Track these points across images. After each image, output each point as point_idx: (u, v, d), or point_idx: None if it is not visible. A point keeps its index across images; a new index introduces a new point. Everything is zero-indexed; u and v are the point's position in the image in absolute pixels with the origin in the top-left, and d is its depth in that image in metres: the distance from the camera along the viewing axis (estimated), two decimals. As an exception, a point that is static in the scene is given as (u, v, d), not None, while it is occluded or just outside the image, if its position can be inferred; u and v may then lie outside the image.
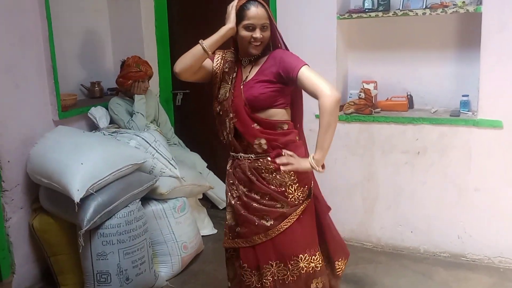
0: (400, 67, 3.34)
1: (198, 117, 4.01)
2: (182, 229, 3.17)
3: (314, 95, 1.93)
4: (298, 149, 2.11)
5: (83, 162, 2.68)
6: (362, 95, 3.25)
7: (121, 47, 3.83)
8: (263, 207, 2.08)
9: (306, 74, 1.93)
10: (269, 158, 2.05)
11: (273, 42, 2.09)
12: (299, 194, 2.09)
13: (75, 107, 3.31)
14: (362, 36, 3.41)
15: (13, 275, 2.89)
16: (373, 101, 3.30)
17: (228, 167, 2.24)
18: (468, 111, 3.13)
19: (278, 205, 2.07)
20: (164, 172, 3.16)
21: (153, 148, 3.18)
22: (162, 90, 3.95)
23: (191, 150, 3.82)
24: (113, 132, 3.24)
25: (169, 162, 3.22)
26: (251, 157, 2.09)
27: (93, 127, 3.34)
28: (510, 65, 2.83)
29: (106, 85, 3.77)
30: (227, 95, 2.09)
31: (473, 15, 2.95)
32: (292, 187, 2.07)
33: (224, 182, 3.80)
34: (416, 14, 2.98)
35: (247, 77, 2.10)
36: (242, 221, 2.13)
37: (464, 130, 3.02)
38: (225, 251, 2.32)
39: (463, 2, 2.93)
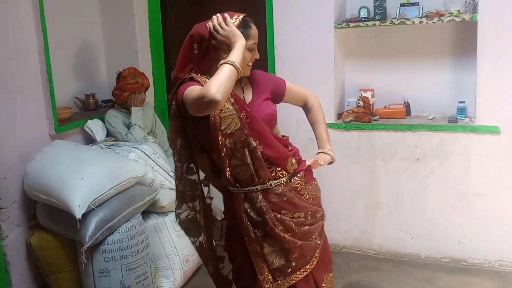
0: (397, 75, 3.37)
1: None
2: (183, 242, 3.11)
3: (303, 99, 2.18)
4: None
5: (84, 177, 2.62)
6: (361, 103, 3.27)
7: (115, 59, 3.78)
8: (311, 226, 1.97)
9: (291, 86, 2.13)
10: (299, 175, 1.97)
11: None
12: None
13: (70, 121, 3.24)
14: (359, 44, 3.43)
15: (10, 295, 2.82)
16: (372, 109, 3.32)
17: (249, 205, 1.93)
18: (465, 117, 3.17)
19: (318, 216, 2.02)
20: (164, 185, 3.11)
21: (153, 160, 3.14)
22: (157, 101, 3.91)
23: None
24: (111, 145, 3.18)
25: (168, 174, 3.18)
26: (283, 181, 1.93)
27: (89, 140, 3.28)
28: (506, 72, 2.88)
29: (100, 97, 3.71)
30: (238, 123, 1.82)
31: (468, 23, 3.00)
32: (319, 193, 2.08)
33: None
34: (413, 22, 3.01)
35: (244, 97, 1.94)
36: (299, 253, 1.93)
37: (463, 136, 3.06)
38: None
39: (458, 10, 2.98)
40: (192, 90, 1.75)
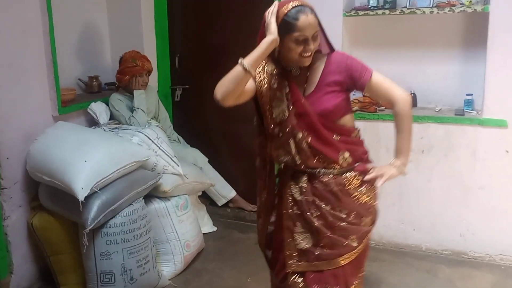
0: (403, 65, 3.33)
1: (198, 113, 3.95)
2: (184, 227, 3.12)
3: (389, 101, 1.89)
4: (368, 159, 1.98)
5: (87, 159, 2.61)
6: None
7: (119, 42, 3.74)
8: (350, 225, 1.90)
9: (376, 81, 1.86)
10: (353, 173, 1.90)
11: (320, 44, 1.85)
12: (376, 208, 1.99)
13: (74, 103, 3.22)
14: (367, 33, 3.38)
15: (11, 275, 2.81)
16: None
17: (295, 183, 1.96)
18: (472, 110, 3.14)
19: (363, 223, 1.93)
20: (166, 170, 3.10)
21: (156, 145, 3.12)
22: (161, 85, 3.87)
23: (190, 146, 3.77)
24: (114, 128, 3.16)
25: (171, 159, 3.16)
26: (333, 172, 1.89)
27: (92, 122, 3.26)
28: (516, 64, 2.85)
29: (104, 80, 3.68)
30: (286, 114, 1.86)
31: (480, 14, 2.95)
32: (374, 201, 1.97)
33: (224, 177, 3.79)
34: (424, 12, 2.97)
35: (305, 88, 1.89)
36: (327, 243, 1.91)
37: (470, 129, 3.03)
38: (282, 276, 2.03)
39: (470, 1, 2.93)
40: None
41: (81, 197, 2.48)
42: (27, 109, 2.84)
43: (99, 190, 2.59)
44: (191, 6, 3.85)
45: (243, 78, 1.78)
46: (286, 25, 1.75)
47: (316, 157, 1.88)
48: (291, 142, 1.88)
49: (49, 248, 2.80)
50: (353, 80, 1.85)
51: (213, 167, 3.77)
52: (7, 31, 2.67)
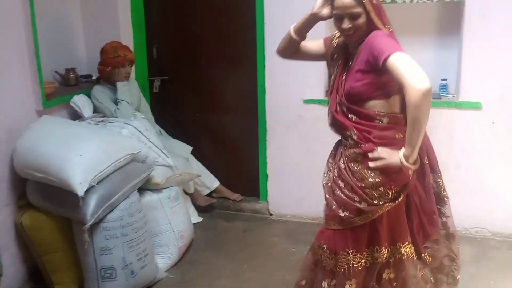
0: (382, 52, 3.47)
1: (177, 104, 3.92)
2: (178, 218, 3.11)
3: (401, 87, 1.76)
4: (394, 148, 1.90)
5: (82, 153, 2.54)
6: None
7: (94, 33, 3.63)
8: (343, 197, 1.97)
9: (392, 63, 1.73)
10: (355, 150, 1.94)
11: (372, 27, 1.87)
12: (378, 194, 1.93)
13: (54, 96, 3.09)
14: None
15: (0, 277, 2.68)
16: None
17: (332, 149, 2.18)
18: (446, 93, 3.33)
19: (357, 199, 1.94)
20: (157, 162, 3.07)
21: (145, 137, 3.08)
22: (138, 76, 3.79)
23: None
24: (99, 122, 3.08)
25: (161, 151, 3.13)
26: (347, 145, 1.99)
27: (75, 116, 3.16)
28: (490, 51, 3.05)
29: (79, 72, 3.55)
30: (331, 83, 2.05)
31: (455, 4, 3.13)
32: (373, 186, 1.93)
33: (206, 168, 3.81)
34: (404, 1, 3.11)
35: (350, 65, 1.96)
36: (325, 203, 2.10)
37: (447, 111, 3.22)
38: None
39: (446, -10, 3.10)
40: None
41: (80, 192, 2.42)
42: (9, 104, 2.70)
43: (96, 184, 2.54)
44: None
45: (290, 41, 2.13)
46: (331, 3, 1.92)
47: (335, 127, 2.06)
48: (329, 107, 2.07)
49: (41, 248, 2.70)
50: (374, 59, 1.79)
51: (195, 158, 3.76)
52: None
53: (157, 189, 3.04)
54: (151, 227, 2.96)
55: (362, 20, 1.85)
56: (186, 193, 3.68)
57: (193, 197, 3.74)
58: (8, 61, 2.69)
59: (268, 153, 3.67)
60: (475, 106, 3.15)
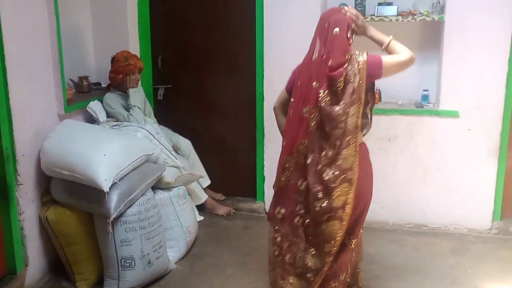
0: (370, 65, 3.82)
1: (180, 111, 4.19)
2: (186, 215, 3.38)
3: None
4: None
5: (106, 153, 2.80)
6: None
7: (103, 43, 3.90)
8: None
9: None
10: None
11: None
12: None
13: (72, 102, 3.34)
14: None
15: (26, 268, 2.92)
16: (349, 95, 3.75)
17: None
18: (428, 103, 3.70)
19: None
20: (167, 163, 3.34)
21: (157, 139, 3.35)
22: (143, 85, 4.03)
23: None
24: (114, 126, 3.34)
25: (170, 152, 3.41)
26: None
27: (91, 120, 3.39)
28: (467, 65, 3.43)
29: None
30: None
31: (436, 23, 3.52)
32: None
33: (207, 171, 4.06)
34: (390, 20, 3.47)
35: None
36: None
37: (428, 119, 3.58)
38: None
39: (427, 11, 3.48)
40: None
41: (106, 188, 2.68)
42: (36, 108, 2.95)
43: (119, 181, 2.80)
44: (173, 8, 4.08)
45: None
46: None
47: None
48: None
49: (64, 240, 2.93)
50: None
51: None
52: (20, 32, 2.78)
53: (167, 187, 3.31)
54: (163, 223, 3.22)
55: None
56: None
57: (211, 206, 4.01)
58: (37, 69, 2.94)
59: (265, 156, 3.97)
60: (453, 114, 3.52)
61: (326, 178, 2.29)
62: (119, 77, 3.51)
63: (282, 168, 2.48)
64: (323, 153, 2.31)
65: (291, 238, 2.47)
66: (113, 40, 3.87)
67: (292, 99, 2.45)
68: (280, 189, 2.50)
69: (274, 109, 2.70)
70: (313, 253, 2.43)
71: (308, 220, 2.42)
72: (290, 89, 2.53)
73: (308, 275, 2.45)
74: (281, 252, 2.51)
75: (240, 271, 3.20)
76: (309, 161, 2.35)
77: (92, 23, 3.91)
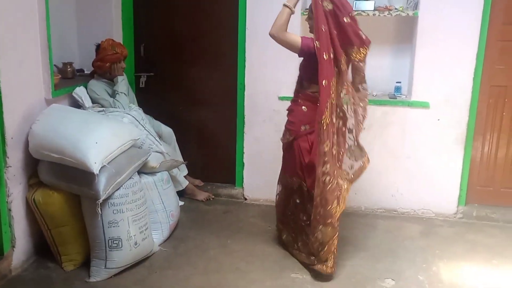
0: (347, 57, 4.00)
1: (162, 99, 4.27)
2: (169, 199, 3.48)
3: None
4: None
5: (95, 136, 2.88)
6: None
7: (87, 31, 3.94)
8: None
9: None
10: None
11: None
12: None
13: (58, 88, 3.38)
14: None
15: (13, 249, 2.97)
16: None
17: None
18: (400, 94, 3.90)
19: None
20: (152, 148, 3.43)
21: (142, 126, 3.44)
22: (125, 72, 4.07)
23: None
24: (99, 111, 3.40)
25: (155, 138, 3.50)
26: None
27: (77, 106, 3.44)
28: (438, 58, 3.65)
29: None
30: None
31: (410, 18, 3.72)
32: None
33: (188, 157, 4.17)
34: (368, 14, 3.65)
35: None
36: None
37: (401, 109, 3.79)
38: None
39: (402, 7, 3.67)
40: None
41: (96, 171, 2.76)
42: (25, 92, 2.99)
43: (107, 164, 2.88)
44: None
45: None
46: None
47: None
48: None
49: (51, 221, 2.99)
50: None
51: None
52: (13, 17, 2.82)
53: (152, 172, 3.40)
54: (147, 206, 3.31)
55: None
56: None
57: (191, 192, 4.12)
58: (27, 53, 2.99)
59: (245, 143, 4.10)
60: (424, 105, 3.74)
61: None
62: (107, 65, 3.56)
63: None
64: None
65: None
66: (97, 27, 3.91)
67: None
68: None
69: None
70: None
71: None
72: (307, 50, 2.90)
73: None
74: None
75: (222, 252, 3.33)
76: None
77: (76, 9, 3.93)
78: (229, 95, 4.11)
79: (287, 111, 3.23)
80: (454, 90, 3.69)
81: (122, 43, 4.05)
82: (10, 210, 2.91)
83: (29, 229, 3.09)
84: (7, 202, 2.89)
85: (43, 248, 3.15)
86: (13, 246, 2.97)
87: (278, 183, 3.38)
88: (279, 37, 2.90)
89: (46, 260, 3.14)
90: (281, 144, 4.16)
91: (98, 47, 3.61)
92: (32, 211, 3.02)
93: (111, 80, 3.61)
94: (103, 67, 3.56)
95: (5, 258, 2.92)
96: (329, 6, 2.82)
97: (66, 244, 3.04)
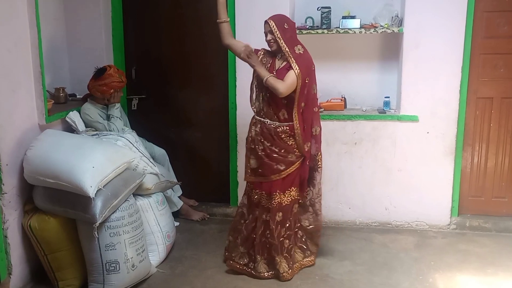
0: (335, 74, 4.07)
1: (154, 120, 4.30)
2: (165, 220, 3.49)
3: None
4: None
5: (90, 160, 2.91)
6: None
7: (78, 56, 3.98)
8: (280, 157, 3.13)
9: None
10: (286, 127, 3.12)
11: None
12: (298, 153, 3.18)
13: (51, 113, 3.40)
14: (307, 47, 4.05)
15: (10, 276, 2.96)
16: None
17: (253, 129, 3.23)
18: (389, 109, 3.98)
19: (289, 156, 3.14)
20: (146, 170, 3.45)
21: (136, 148, 3.46)
22: (117, 95, 4.16)
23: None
24: (93, 135, 3.43)
25: (149, 160, 3.52)
26: (275, 124, 3.13)
27: (70, 130, 3.46)
28: (424, 73, 3.74)
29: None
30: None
31: (395, 35, 3.82)
32: (295, 147, 3.16)
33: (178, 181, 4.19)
34: (354, 32, 3.74)
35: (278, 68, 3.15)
36: (264, 165, 3.15)
37: (390, 123, 3.86)
38: (247, 184, 3.35)
39: (387, 24, 3.76)
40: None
41: (92, 194, 2.78)
42: (18, 118, 3.01)
43: (103, 187, 2.90)
44: (146, 21, 4.21)
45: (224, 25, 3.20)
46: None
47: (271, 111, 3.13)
48: (261, 95, 3.18)
49: (47, 247, 2.99)
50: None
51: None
52: (3, 44, 2.85)
53: (147, 194, 3.42)
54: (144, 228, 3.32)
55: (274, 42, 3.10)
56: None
57: (186, 212, 4.13)
58: (20, 80, 3.02)
59: (238, 162, 4.14)
60: (413, 118, 3.81)
61: None
62: (111, 91, 3.60)
63: None
64: None
65: None
66: (88, 52, 3.95)
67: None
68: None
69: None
70: None
71: None
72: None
73: None
74: None
75: (219, 272, 3.34)
76: None
77: (67, 35, 3.98)
78: (221, 115, 4.16)
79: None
80: (441, 103, 3.78)
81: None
82: (6, 237, 2.91)
83: (26, 255, 3.09)
84: (3, 229, 2.89)
85: (40, 274, 3.14)
86: (10, 273, 2.95)
87: None
88: (287, 92, 3.06)
89: (43, 286, 3.13)
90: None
91: (100, 71, 3.61)
92: (28, 237, 3.02)
93: (105, 105, 3.64)
94: (106, 92, 3.57)
95: (2, 285, 2.90)
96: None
97: (63, 269, 3.04)
